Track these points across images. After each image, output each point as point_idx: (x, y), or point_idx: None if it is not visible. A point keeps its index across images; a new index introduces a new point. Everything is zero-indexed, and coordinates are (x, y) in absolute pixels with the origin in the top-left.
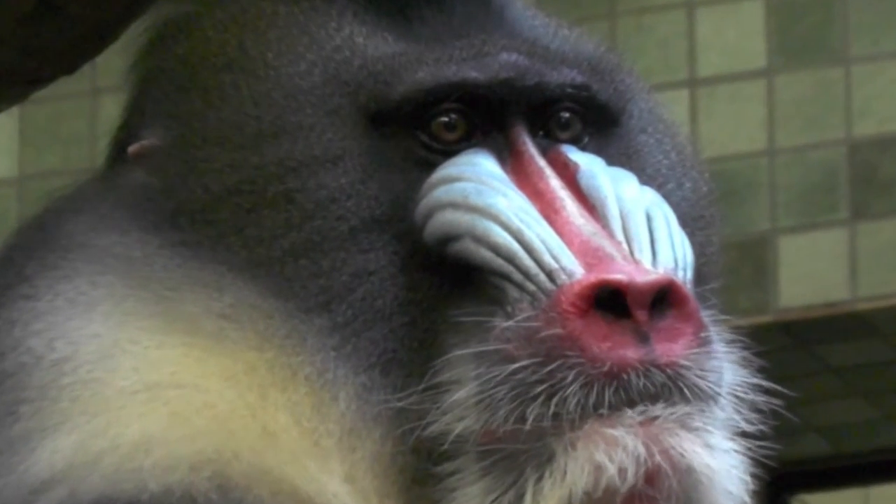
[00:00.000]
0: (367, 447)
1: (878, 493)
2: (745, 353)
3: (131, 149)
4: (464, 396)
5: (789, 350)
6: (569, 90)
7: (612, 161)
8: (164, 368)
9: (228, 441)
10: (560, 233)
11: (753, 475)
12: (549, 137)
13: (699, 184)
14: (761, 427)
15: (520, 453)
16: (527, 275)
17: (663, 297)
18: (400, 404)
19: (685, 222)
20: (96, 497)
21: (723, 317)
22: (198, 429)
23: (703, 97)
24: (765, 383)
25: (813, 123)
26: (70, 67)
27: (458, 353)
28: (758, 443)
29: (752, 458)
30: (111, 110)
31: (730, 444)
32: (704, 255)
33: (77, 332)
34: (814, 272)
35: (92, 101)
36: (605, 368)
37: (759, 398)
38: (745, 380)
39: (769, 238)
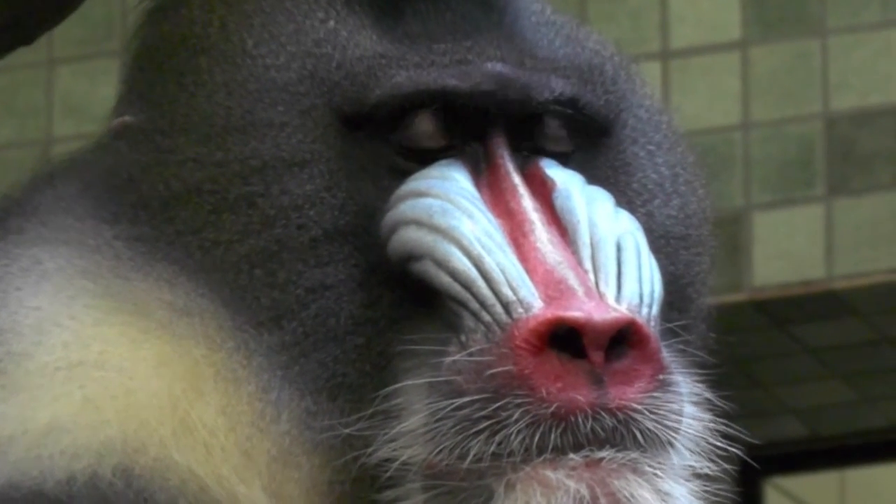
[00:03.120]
0: (304, 471)
1: (854, 477)
2: (710, 395)
3: (113, 124)
4: (412, 426)
5: (764, 330)
6: (553, 104)
7: (597, 173)
8: (93, 347)
9: (139, 431)
10: (525, 259)
11: (727, 457)
12: (532, 148)
13: (689, 201)
14: (735, 407)
15: (461, 490)
16: (483, 304)
17: (623, 336)
18: (346, 431)
19: (668, 241)
20: (3, 484)
21: (704, 342)
22: (108, 416)
23: (676, 70)
24: (727, 428)
25: (789, 97)
26: (27, 38)
27: (410, 382)
28: (731, 424)
29: (725, 441)
30: (68, 81)
31: (684, 491)
32: (689, 276)
33: (20, 304)
34: (789, 250)
35: (48, 71)
36: (553, 410)
37: (721, 443)
38: (707, 424)
39: (744, 214)
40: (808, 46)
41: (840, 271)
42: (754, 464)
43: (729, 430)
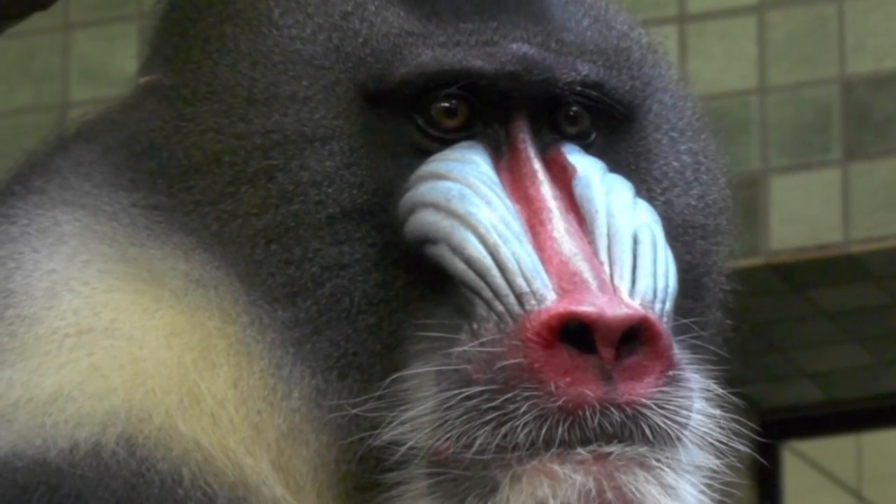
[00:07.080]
0: (311, 448)
1: (870, 440)
2: (720, 392)
3: (142, 80)
4: (419, 412)
5: (780, 293)
6: (578, 88)
7: (617, 159)
8: (104, 314)
9: (144, 400)
10: (540, 248)
11: (744, 421)
12: (555, 131)
13: (709, 190)
14: (752, 372)
15: (465, 479)
16: (497, 294)
17: (635, 331)
18: (354, 412)
19: (686, 230)
20: (7, 452)
21: (720, 330)
22: (114, 385)
23: (693, 34)
24: (735, 424)
25: (806, 61)
26: (44, 3)
27: (419, 369)
28: (747, 388)
29: (742, 405)
30: (84, 46)
31: (690, 486)
32: (705, 265)
33: (35, 265)
34: (806, 213)
35: (64, 36)
36: (560, 404)
37: (730, 439)
38: (716, 419)
39: (760, 178)
40: (824, 10)
41: (856, 235)
42: (771, 428)
43: (746, 394)
